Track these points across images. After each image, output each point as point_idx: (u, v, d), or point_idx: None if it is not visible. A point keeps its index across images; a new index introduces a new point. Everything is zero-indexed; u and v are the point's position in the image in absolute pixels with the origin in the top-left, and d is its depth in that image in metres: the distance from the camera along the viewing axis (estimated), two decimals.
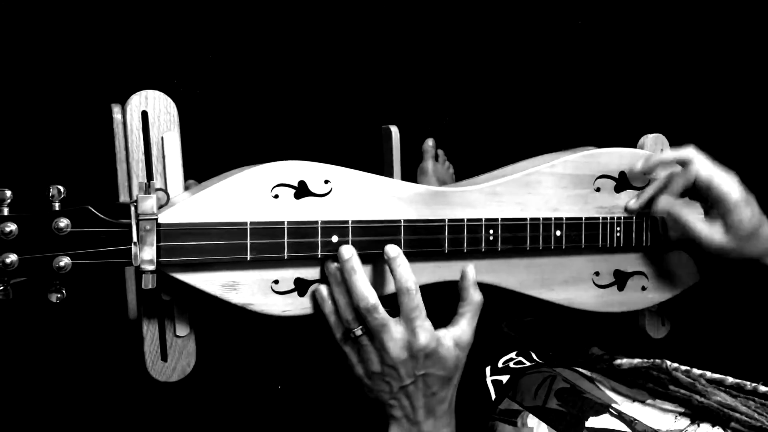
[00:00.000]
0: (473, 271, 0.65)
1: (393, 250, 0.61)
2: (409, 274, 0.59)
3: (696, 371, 0.63)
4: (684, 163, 0.71)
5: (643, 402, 0.63)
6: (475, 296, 0.64)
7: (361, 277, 0.59)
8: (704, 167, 0.69)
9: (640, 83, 1.42)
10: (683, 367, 0.64)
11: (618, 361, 0.67)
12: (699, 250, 0.72)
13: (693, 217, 0.71)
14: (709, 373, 0.62)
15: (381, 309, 0.58)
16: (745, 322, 0.81)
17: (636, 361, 0.67)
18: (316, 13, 1.28)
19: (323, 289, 0.61)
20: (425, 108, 1.37)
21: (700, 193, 0.71)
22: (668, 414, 0.61)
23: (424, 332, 0.59)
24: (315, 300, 0.62)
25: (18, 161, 1.05)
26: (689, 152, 0.71)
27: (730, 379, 0.61)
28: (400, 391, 0.60)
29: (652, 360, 0.65)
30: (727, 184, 0.68)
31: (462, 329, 0.62)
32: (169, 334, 0.63)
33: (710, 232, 0.69)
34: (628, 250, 0.76)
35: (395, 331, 0.58)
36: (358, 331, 0.59)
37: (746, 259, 0.70)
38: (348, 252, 0.59)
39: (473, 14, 1.40)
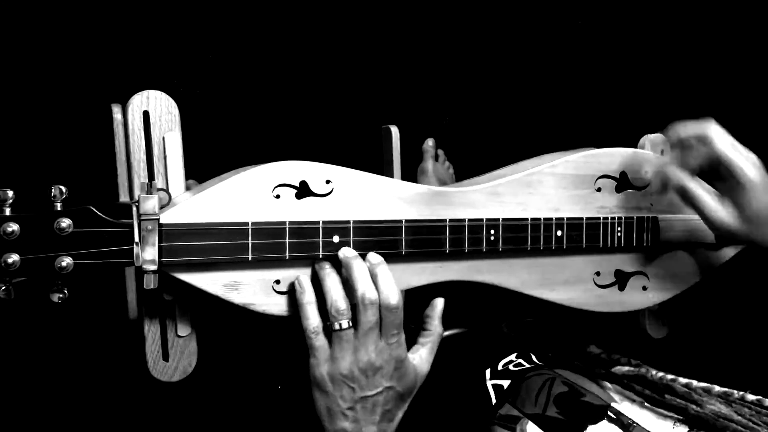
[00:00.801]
0: (442, 304, 0.64)
1: (374, 258, 0.60)
2: (395, 289, 0.58)
3: (682, 380, 0.62)
4: (703, 140, 0.67)
5: (642, 403, 0.63)
6: (438, 328, 0.64)
7: (366, 270, 0.59)
8: (723, 143, 0.65)
9: (640, 83, 1.42)
10: (669, 376, 0.63)
11: (616, 368, 0.67)
12: (700, 245, 0.70)
13: (703, 192, 0.67)
14: (695, 382, 0.62)
15: (378, 308, 0.57)
16: (745, 323, 0.81)
17: (625, 369, 0.66)
18: (316, 13, 1.28)
19: (304, 278, 0.60)
20: (425, 108, 1.37)
21: (717, 171, 0.67)
22: (667, 420, 0.60)
23: (400, 345, 0.59)
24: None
25: (20, 161, 1.05)
26: (710, 129, 0.66)
27: (717, 388, 0.60)
28: (360, 401, 0.58)
29: (637, 369, 0.64)
30: (745, 163, 0.65)
31: (421, 358, 0.62)
32: (170, 334, 0.63)
33: (719, 209, 0.66)
34: (629, 250, 0.76)
35: (379, 337, 0.58)
36: (345, 323, 0.57)
37: (751, 242, 0.67)
38: (352, 252, 0.60)
39: (473, 14, 1.40)
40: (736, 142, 0.66)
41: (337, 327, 0.58)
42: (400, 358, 0.59)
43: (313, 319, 0.59)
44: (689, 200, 0.68)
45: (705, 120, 0.68)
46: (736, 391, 0.61)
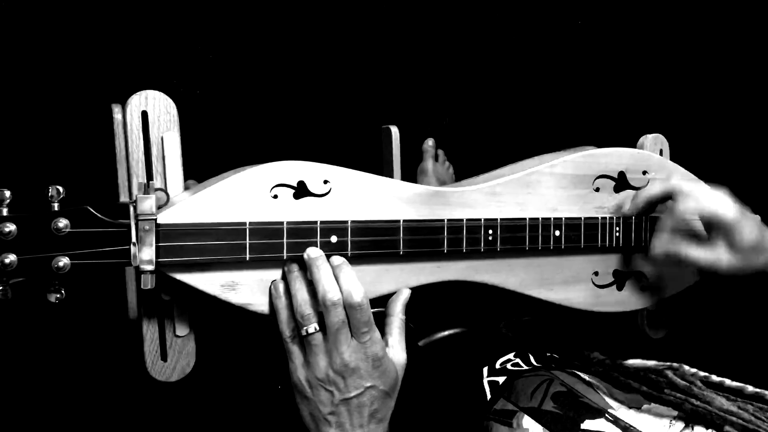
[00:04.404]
0: (408, 293, 0.64)
1: (336, 260, 0.59)
2: (358, 287, 0.57)
3: (715, 378, 0.62)
4: (672, 198, 0.69)
5: (638, 408, 0.63)
6: (400, 314, 0.63)
7: (328, 270, 0.58)
8: (691, 200, 0.67)
9: (640, 83, 1.42)
10: (702, 373, 0.62)
11: (630, 362, 0.66)
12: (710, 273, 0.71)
13: (693, 250, 0.68)
14: (728, 381, 0.61)
15: (343, 308, 0.57)
16: (744, 322, 0.81)
17: (651, 363, 0.65)
18: (316, 13, 1.28)
19: (280, 284, 0.59)
20: (425, 108, 1.37)
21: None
22: (663, 419, 0.60)
23: (375, 342, 0.58)
24: None
25: (18, 161, 1.05)
26: (673, 187, 0.69)
27: (728, 382, 0.60)
28: (341, 403, 0.58)
29: (669, 363, 0.64)
30: (720, 206, 0.66)
31: (393, 347, 0.62)
32: (169, 334, 0.63)
33: (715, 257, 0.67)
34: (628, 250, 0.76)
35: (351, 337, 0.57)
36: (311, 329, 0.57)
37: (756, 273, 0.68)
38: (316, 252, 0.59)
39: (473, 14, 1.40)
40: (702, 188, 0.68)
41: (304, 333, 0.57)
42: (377, 356, 0.58)
43: (287, 324, 0.59)
44: (682, 262, 0.70)
45: (670, 178, 0.71)
46: (727, 380, 0.60)
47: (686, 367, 0.64)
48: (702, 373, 0.63)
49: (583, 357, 0.77)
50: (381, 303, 0.63)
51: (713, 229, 0.67)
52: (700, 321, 0.87)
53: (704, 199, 0.67)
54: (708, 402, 0.60)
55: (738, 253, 0.67)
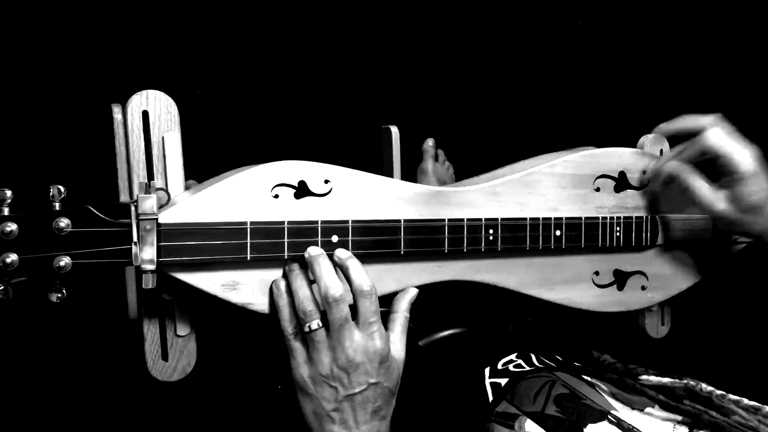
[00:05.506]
0: (415, 292, 0.65)
1: (343, 253, 0.60)
2: (365, 277, 0.58)
3: (732, 396, 0.61)
4: (697, 133, 0.69)
5: (641, 410, 0.63)
6: (405, 312, 0.63)
7: (329, 267, 0.58)
8: (716, 136, 0.67)
9: (640, 83, 1.42)
10: (718, 392, 0.61)
11: (644, 377, 0.66)
12: (700, 244, 0.71)
13: (699, 182, 0.69)
14: (745, 400, 0.60)
15: (347, 303, 0.56)
16: (745, 322, 0.81)
17: (666, 380, 0.65)
18: (316, 13, 1.28)
19: (282, 282, 0.59)
20: (425, 108, 1.37)
21: (715, 165, 0.69)
22: (667, 423, 0.60)
23: (381, 337, 0.58)
24: None
25: (18, 161, 1.05)
26: (705, 120, 0.69)
27: (767, 408, 0.59)
28: (345, 399, 0.57)
29: (685, 381, 0.63)
30: (739, 154, 0.66)
31: (395, 344, 0.61)
32: (169, 334, 0.63)
33: (714, 198, 0.68)
34: (628, 249, 0.76)
35: (355, 332, 0.57)
36: (314, 325, 0.56)
37: (747, 234, 0.69)
38: (316, 250, 0.59)
39: (473, 14, 1.40)
40: (734, 134, 0.68)
41: (307, 329, 0.57)
42: (383, 352, 0.58)
43: (289, 321, 0.59)
44: (683, 186, 0.70)
45: (707, 115, 0.70)
46: (744, 399, 0.59)
47: (704, 385, 0.63)
48: (718, 392, 0.61)
49: (594, 360, 0.77)
50: (382, 303, 0.63)
51: (725, 174, 0.68)
52: (700, 321, 0.87)
53: (730, 140, 0.67)
54: (726, 414, 0.59)
55: (738, 206, 0.67)
